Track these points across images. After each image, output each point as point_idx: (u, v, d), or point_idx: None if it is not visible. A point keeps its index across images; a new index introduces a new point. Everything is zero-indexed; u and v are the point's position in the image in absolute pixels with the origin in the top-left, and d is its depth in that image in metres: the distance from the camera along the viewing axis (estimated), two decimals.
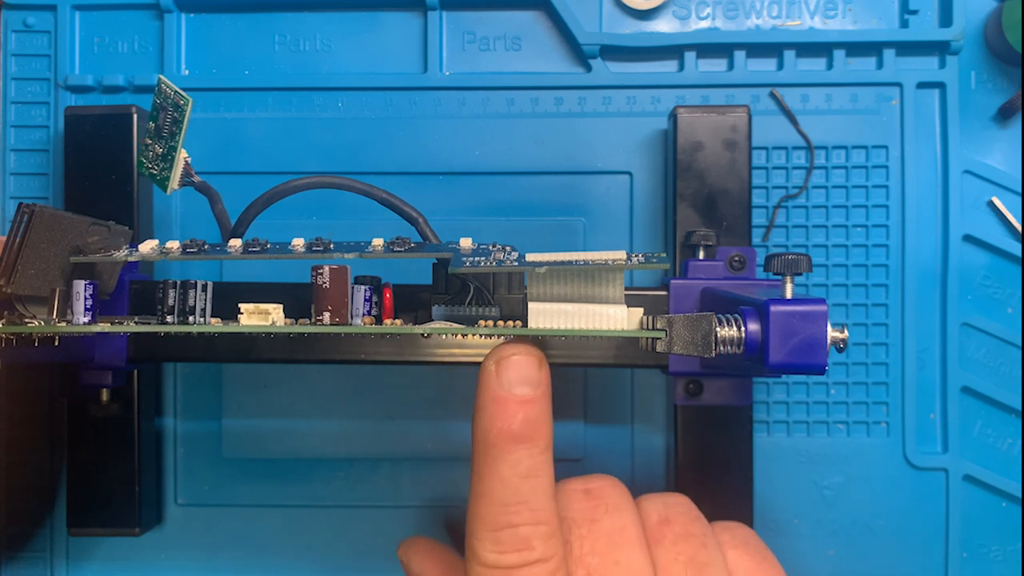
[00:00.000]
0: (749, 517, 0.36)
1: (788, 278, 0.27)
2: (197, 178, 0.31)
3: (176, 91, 0.30)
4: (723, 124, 0.37)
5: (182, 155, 0.30)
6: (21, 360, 0.29)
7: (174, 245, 0.29)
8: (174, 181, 0.30)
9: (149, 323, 0.28)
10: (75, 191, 0.38)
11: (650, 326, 0.27)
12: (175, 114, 0.30)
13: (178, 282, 0.27)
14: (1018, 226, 0.39)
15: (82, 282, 0.28)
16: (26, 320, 0.28)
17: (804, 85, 0.39)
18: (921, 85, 0.39)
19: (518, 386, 0.26)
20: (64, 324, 0.28)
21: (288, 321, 0.27)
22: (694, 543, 0.30)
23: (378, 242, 0.29)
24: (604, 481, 0.31)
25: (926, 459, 0.39)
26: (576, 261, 0.26)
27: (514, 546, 0.26)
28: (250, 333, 0.29)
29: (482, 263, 0.27)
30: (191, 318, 0.27)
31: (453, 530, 0.40)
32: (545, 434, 0.27)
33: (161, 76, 0.30)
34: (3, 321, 0.27)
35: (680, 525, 0.31)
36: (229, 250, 0.29)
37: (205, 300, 0.28)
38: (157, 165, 0.30)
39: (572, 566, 0.28)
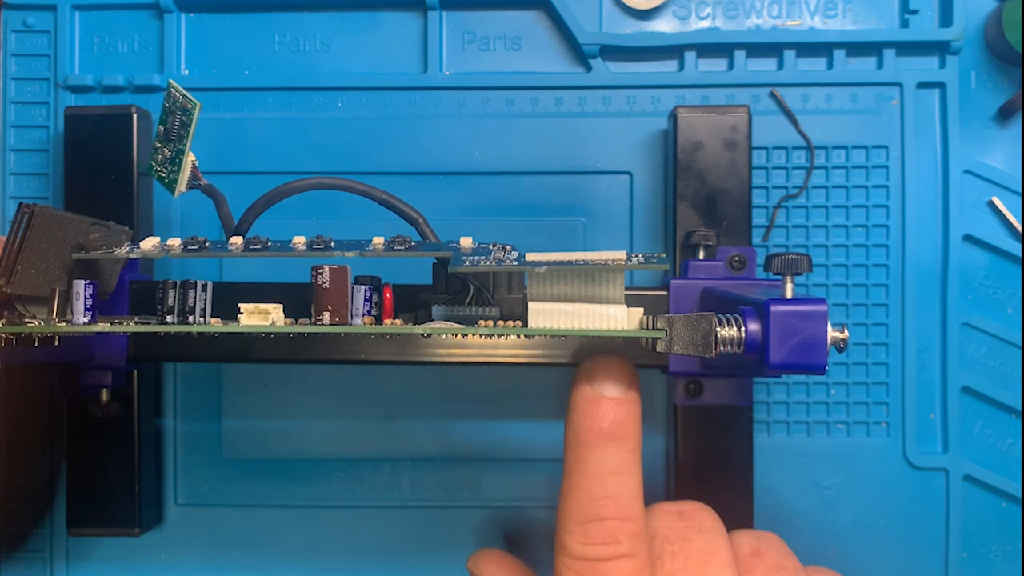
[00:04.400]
0: (749, 517, 0.36)
1: (788, 278, 0.27)
2: (204, 181, 0.31)
3: (185, 95, 0.30)
4: (723, 124, 0.37)
5: (190, 158, 0.30)
6: (21, 360, 0.29)
7: (176, 242, 0.29)
8: (182, 184, 0.30)
9: (149, 323, 0.28)
10: (75, 191, 0.38)
11: (650, 326, 0.27)
12: (183, 118, 0.30)
13: (178, 282, 0.27)
14: (1018, 226, 0.39)
15: (82, 282, 0.28)
16: (26, 320, 0.28)
17: (804, 85, 0.39)
18: (921, 85, 0.39)
19: (609, 388, 0.28)
20: (64, 324, 0.28)
21: (288, 321, 0.27)
22: None
23: (378, 240, 0.29)
24: (698, 506, 0.32)
25: (926, 459, 0.39)
26: (576, 261, 0.26)
27: (601, 539, 0.27)
28: (250, 333, 0.29)
29: (482, 262, 0.27)
30: (191, 318, 0.27)
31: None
32: (634, 435, 0.28)
33: (171, 80, 0.30)
34: (3, 321, 0.27)
35: (772, 559, 0.31)
36: (230, 247, 0.29)
37: (205, 300, 0.28)
38: (165, 168, 0.31)
39: None
